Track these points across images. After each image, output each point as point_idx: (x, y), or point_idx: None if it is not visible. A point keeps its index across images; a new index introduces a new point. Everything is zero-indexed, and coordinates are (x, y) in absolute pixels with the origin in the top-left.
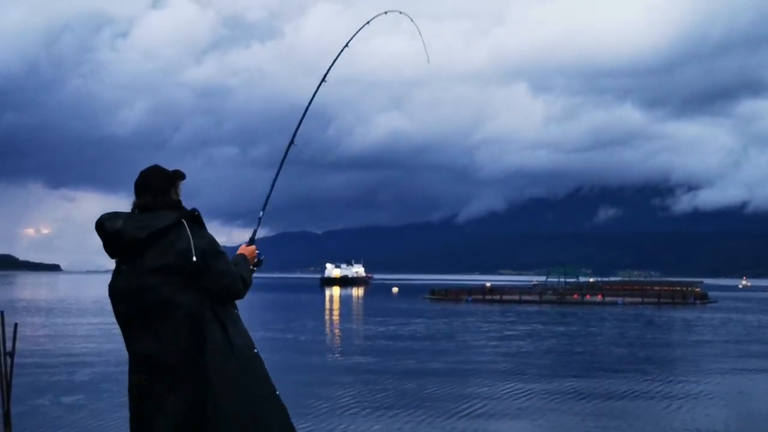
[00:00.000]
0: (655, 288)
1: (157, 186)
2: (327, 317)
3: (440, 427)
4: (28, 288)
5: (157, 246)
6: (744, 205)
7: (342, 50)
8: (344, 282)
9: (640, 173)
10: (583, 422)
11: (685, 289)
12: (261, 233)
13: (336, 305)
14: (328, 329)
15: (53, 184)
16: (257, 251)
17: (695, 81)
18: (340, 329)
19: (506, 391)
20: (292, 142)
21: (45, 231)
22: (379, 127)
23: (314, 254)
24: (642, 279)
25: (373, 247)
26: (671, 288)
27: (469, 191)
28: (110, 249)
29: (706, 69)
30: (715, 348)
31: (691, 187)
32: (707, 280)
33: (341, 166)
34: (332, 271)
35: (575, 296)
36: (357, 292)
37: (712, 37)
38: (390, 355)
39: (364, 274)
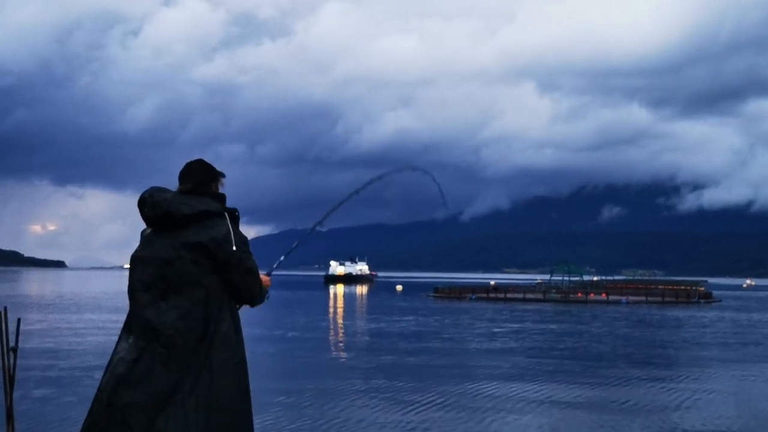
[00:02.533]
0: (659, 287)
1: (199, 177)
2: (321, 314)
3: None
4: (31, 284)
5: (197, 226)
6: (749, 204)
7: (347, 200)
8: (348, 280)
9: (645, 172)
10: (586, 419)
11: (689, 288)
12: (266, 231)
13: (339, 303)
14: (322, 326)
15: (60, 181)
16: (269, 286)
17: (703, 80)
18: (334, 326)
19: (506, 388)
20: (316, 226)
21: (51, 227)
22: (387, 125)
23: (319, 252)
24: (646, 278)
25: (378, 245)
26: (675, 287)
27: (475, 190)
28: (153, 218)
29: (714, 69)
30: (719, 346)
31: (697, 187)
32: (711, 280)
33: (348, 164)
34: (336, 268)
35: (579, 295)
36: (361, 289)
37: (720, 37)
38: (385, 351)
39: (368, 272)
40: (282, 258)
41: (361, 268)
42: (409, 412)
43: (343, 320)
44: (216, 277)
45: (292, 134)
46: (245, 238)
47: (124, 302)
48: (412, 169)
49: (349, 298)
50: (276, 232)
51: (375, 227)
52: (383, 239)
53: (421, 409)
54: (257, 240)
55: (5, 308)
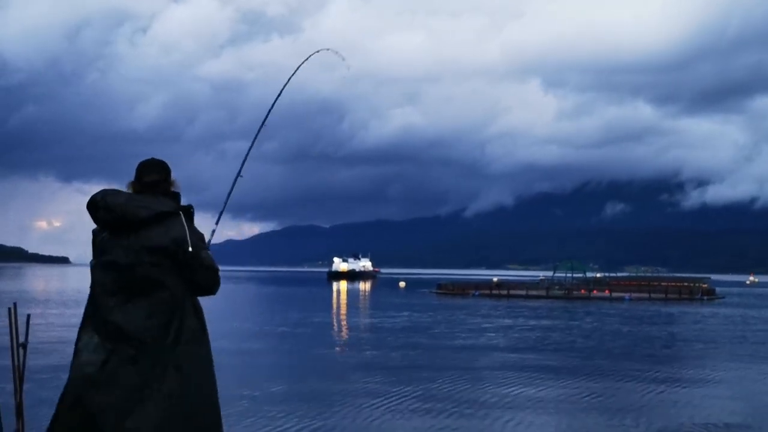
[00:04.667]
0: (663, 284)
1: (156, 175)
2: (318, 310)
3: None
4: (35, 280)
5: (155, 228)
6: (753, 201)
7: (283, 88)
8: (351, 276)
9: (650, 169)
10: (589, 415)
11: (692, 285)
12: (269, 227)
13: (340, 299)
14: (314, 321)
15: (66, 177)
16: None
17: (708, 77)
18: (328, 321)
19: (509, 384)
20: (239, 174)
21: (56, 224)
22: (393, 121)
23: (322, 248)
24: (649, 275)
25: (381, 242)
26: (679, 284)
27: (478, 186)
28: (107, 222)
29: (720, 65)
30: (723, 343)
31: (701, 183)
32: (715, 276)
33: (353, 160)
34: (339, 265)
35: (582, 291)
36: (364, 286)
37: (726, 34)
38: (371, 347)
39: (371, 269)
40: (215, 228)
41: (365, 264)
42: (372, 406)
43: (339, 316)
44: (178, 276)
45: (297, 131)
46: (201, 234)
47: None
48: (326, 49)
49: (351, 294)
50: (279, 228)
51: (378, 223)
52: (386, 235)
53: (379, 404)
54: (261, 236)
55: (14, 304)
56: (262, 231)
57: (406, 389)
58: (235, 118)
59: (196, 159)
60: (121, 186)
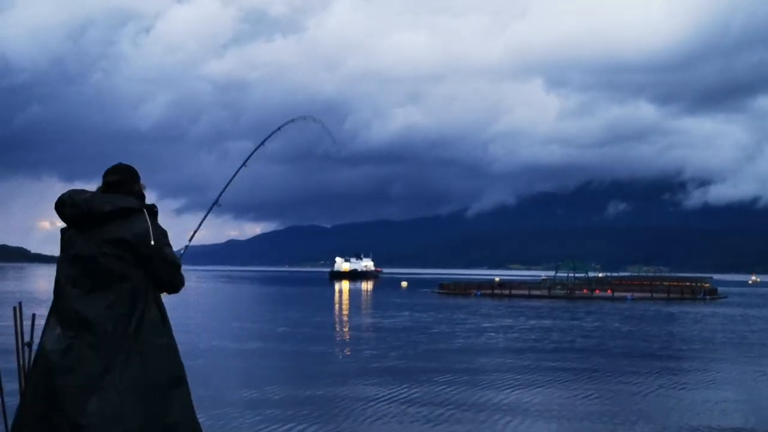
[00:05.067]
0: (665, 283)
1: (121, 177)
2: (319, 310)
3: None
4: (38, 280)
5: (118, 222)
6: (755, 200)
7: (239, 169)
8: (353, 276)
9: (652, 168)
10: (585, 417)
11: (694, 284)
12: (271, 227)
13: (341, 299)
14: (313, 321)
15: (68, 177)
16: None
17: (711, 76)
18: (327, 321)
19: (507, 386)
20: (216, 202)
21: (59, 224)
22: (395, 121)
23: (324, 248)
24: (651, 274)
25: (383, 241)
26: (681, 283)
27: (480, 185)
28: (72, 218)
29: (723, 65)
30: (725, 342)
31: (703, 183)
32: (717, 276)
33: (356, 160)
34: (341, 264)
35: (584, 291)
36: (366, 285)
37: (730, 33)
38: (369, 347)
39: (373, 268)
40: (187, 245)
41: (366, 264)
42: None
43: (340, 316)
44: (139, 269)
45: (300, 130)
46: (164, 231)
47: None
48: (303, 118)
49: (352, 294)
50: (282, 228)
51: (380, 223)
52: (388, 235)
53: (375, 404)
54: (263, 236)
55: (19, 303)
56: (264, 231)
57: (403, 390)
58: (238, 117)
59: (199, 158)
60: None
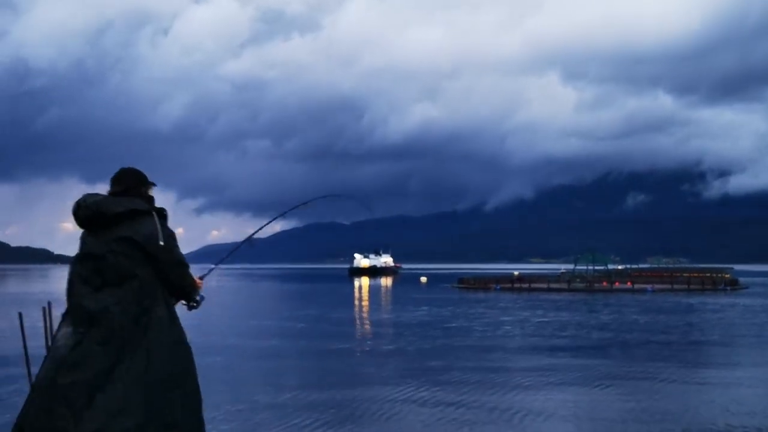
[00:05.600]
0: (685, 274)
1: (130, 181)
2: (337, 306)
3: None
4: (62, 281)
5: (128, 223)
6: None
7: (247, 239)
8: (373, 272)
9: (671, 159)
10: (610, 405)
11: (715, 275)
12: (291, 224)
13: (360, 295)
14: (332, 317)
15: (89, 179)
16: (202, 290)
17: (729, 66)
18: (345, 317)
19: (520, 381)
20: (249, 240)
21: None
22: (412, 117)
23: (343, 245)
24: (671, 266)
25: (402, 237)
26: (701, 274)
27: (498, 179)
28: (85, 220)
29: (741, 54)
30: (747, 334)
31: (723, 173)
32: (738, 266)
33: (373, 156)
34: (361, 261)
35: (604, 284)
36: (385, 281)
37: (748, 22)
38: (388, 341)
39: (392, 264)
40: (214, 266)
41: (386, 260)
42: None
43: (358, 312)
44: (148, 268)
45: (318, 128)
46: (173, 233)
47: None
48: (337, 196)
49: (372, 290)
50: (301, 225)
51: (398, 219)
52: (407, 231)
53: (390, 398)
54: (283, 234)
55: (49, 303)
56: (283, 229)
57: (420, 388)
58: (256, 116)
59: (217, 158)
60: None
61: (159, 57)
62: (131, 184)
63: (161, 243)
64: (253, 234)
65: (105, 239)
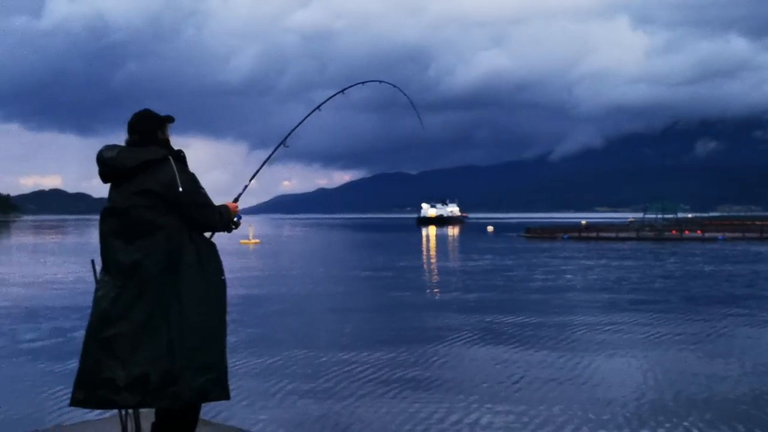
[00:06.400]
0: (757, 223)
1: (144, 127)
2: (403, 255)
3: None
4: None
5: (144, 174)
6: None
7: (310, 113)
8: (440, 221)
9: (742, 105)
10: (664, 352)
11: None
12: (359, 174)
13: (427, 244)
14: (398, 265)
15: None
16: (239, 211)
17: None
18: (410, 265)
19: (578, 325)
20: (283, 143)
21: None
22: (479, 66)
23: (410, 195)
24: (742, 213)
25: (469, 187)
26: None
27: (565, 128)
28: (104, 175)
29: None
30: None
31: None
32: None
33: (440, 106)
34: (428, 210)
35: (673, 232)
36: (452, 231)
37: None
38: (448, 288)
39: (459, 214)
40: (248, 183)
41: (452, 209)
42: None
43: (423, 260)
44: (173, 216)
45: (385, 78)
46: (193, 175)
47: (218, 242)
48: (378, 81)
49: (439, 239)
50: (369, 175)
51: (465, 168)
52: (474, 180)
53: (451, 340)
54: (351, 184)
55: (92, 261)
56: (353, 179)
57: (469, 335)
58: (325, 67)
59: (287, 109)
60: (224, 140)
61: (230, 10)
62: (145, 129)
63: (180, 189)
64: (287, 135)
65: (127, 193)
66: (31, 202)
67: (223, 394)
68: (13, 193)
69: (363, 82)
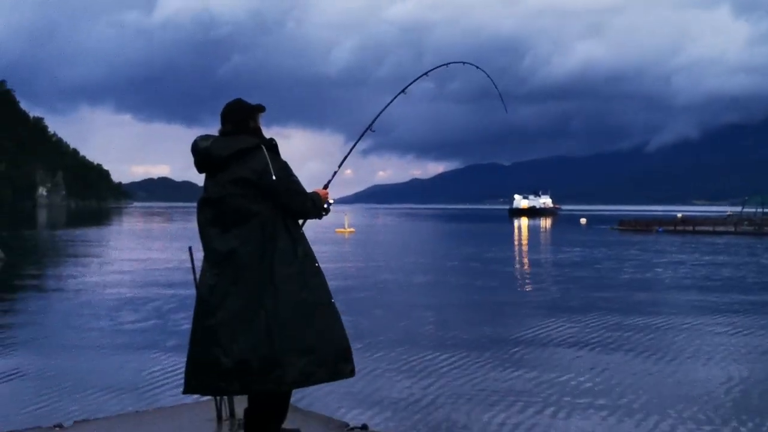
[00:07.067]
0: None
1: (236, 117)
2: (492, 245)
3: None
4: None
5: (237, 163)
6: None
7: (395, 97)
8: (532, 213)
9: None
10: (753, 352)
11: None
12: (452, 165)
13: (519, 235)
14: (486, 257)
15: (266, 123)
16: (329, 197)
17: None
18: (496, 256)
19: (660, 323)
20: (370, 127)
21: None
22: (575, 55)
23: (503, 185)
24: None
25: (562, 178)
26: None
27: (662, 119)
28: (199, 165)
29: None
30: None
31: None
32: None
33: (534, 97)
34: (520, 202)
35: None
36: (544, 222)
37: None
38: (531, 281)
39: (551, 205)
40: (337, 169)
41: (545, 201)
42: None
43: (511, 252)
44: (266, 203)
45: (479, 70)
46: (285, 163)
47: (315, 231)
48: (462, 63)
49: (531, 230)
50: (462, 166)
51: (558, 159)
52: (567, 172)
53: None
54: (445, 174)
55: (189, 248)
56: (446, 169)
57: (557, 322)
58: (421, 57)
59: (382, 100)
60: (324, 131)
61: (328, 3)
62: (238, 118)
63: (273, 177)
64: (374, 120)
65: (221, 182)
66: (141, 190)
67: (329, 375)
68: (125, 180)
69: (447, 64)
